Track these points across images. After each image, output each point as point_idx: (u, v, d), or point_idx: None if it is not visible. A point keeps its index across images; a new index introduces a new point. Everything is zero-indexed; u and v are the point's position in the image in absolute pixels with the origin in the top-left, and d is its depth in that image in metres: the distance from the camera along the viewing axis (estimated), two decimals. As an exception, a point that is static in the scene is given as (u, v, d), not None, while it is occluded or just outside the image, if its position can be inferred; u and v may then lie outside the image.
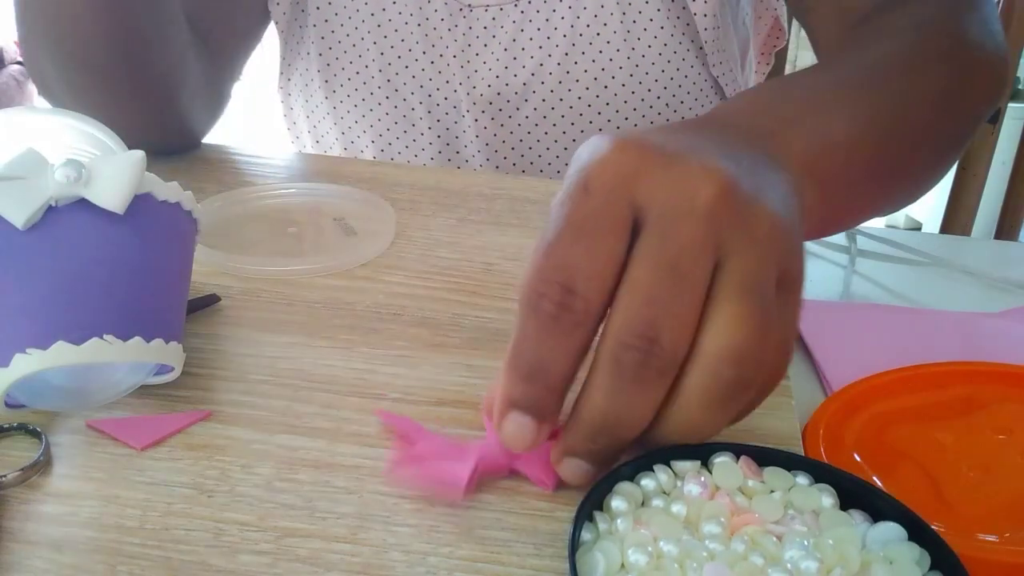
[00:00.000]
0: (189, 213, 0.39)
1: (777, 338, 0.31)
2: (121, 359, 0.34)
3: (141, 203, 0.36)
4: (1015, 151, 1.18)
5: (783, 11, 0.79)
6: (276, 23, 0.74)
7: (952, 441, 0.39)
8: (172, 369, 0.37)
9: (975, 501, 0.36)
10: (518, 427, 0.31)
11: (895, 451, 0.39)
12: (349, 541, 0.33)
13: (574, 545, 0.29)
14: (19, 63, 2.71)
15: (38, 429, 0.37)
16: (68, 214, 0.35)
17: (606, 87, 0.69)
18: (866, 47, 0.51)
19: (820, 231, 0.46)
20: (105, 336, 0.34)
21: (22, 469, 0.35)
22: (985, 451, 0.39)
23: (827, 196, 0.40)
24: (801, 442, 0.38)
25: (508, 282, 0.49)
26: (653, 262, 0.29)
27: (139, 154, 0.36)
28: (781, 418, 0.39)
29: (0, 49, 2.66)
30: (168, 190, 0.37)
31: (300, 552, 0.32)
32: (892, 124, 0.45)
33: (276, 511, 0.34)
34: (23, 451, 0.36)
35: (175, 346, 0.37)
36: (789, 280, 0.31)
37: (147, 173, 0.36)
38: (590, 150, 0.32)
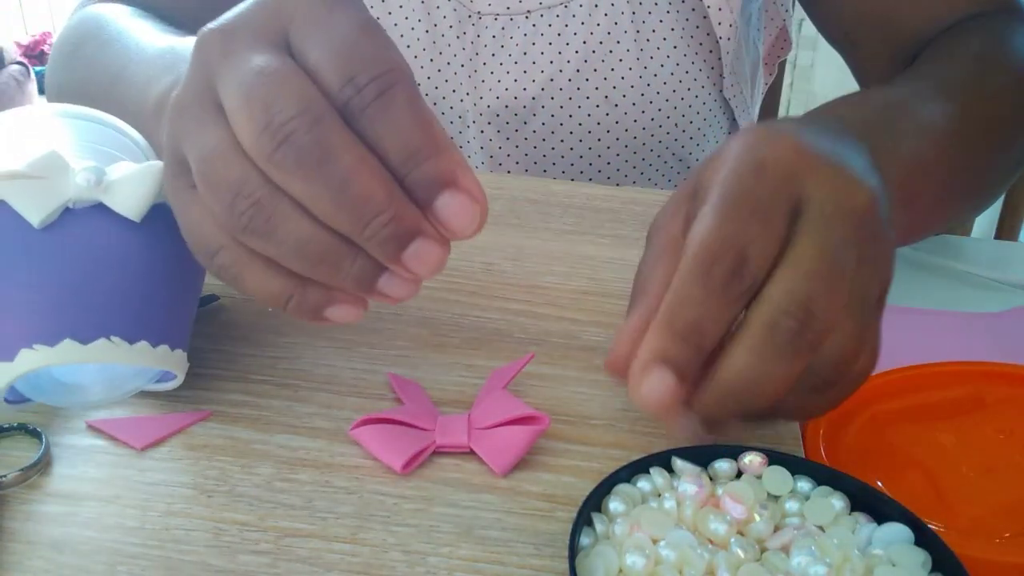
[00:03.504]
0: None
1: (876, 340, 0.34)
2: (126, 362, 0.34)
3: (157, 212, 0.36)
4: None
5: (790, 21, 0.78)
6: None
7: (952, 441, 0.39)
8: (175, 377, 0.37)
9: (975, 501, 0.36)
10: (660, 383, 0.31)
11: (895, 451, 0.39)
12: (349, 541, 0.33)
13: (573, 551, 0.28)
14: (19, 63, 2.71)
15: (38, 429, 0.37)
16: (84, 217, 0.35)
17: (616, 105, 0.68)
18: (936, 73, 0.53)
19: (900, 243, 0.47)
20: (112, 337, 0.34)
21: (22, 469, 0.35)
22: (985, 451, 0.39)
23: (909, 215, 0.42)
24: (801, 442, 0.38)
25: (508, 282, 0.49)
26: (816, 245, 0.31)
27: (159, 164, 0.36)
28: (781, 418, 0.39)
29: (0, 49, 2.66)
30: None
31: (300, 552, 0.32)
32: (965, 149, 0.49)
33: (276, 511, 0.34)
34: (23, 451, 0.36)
35: (180, 354, 0.37)
36: (883, 298, 0.34)
37: None
38: (760, 139, 0.34)
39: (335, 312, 0.34)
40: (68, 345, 0.33)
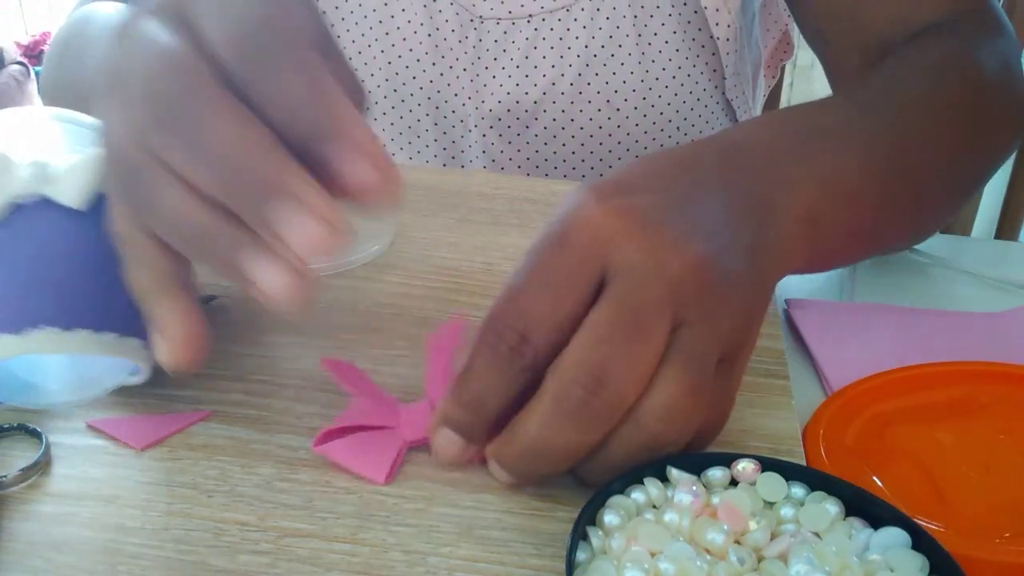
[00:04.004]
0: None
1: (710, 403, 0.33)
2: (68, 351, 0.34)
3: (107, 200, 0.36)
4: (1015, 151, 1.18)
5: (793, 25, 0.78)
6: None
7: (952, 441, 0.39)
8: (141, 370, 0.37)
9: (975, 501, 0.36)
10: (449, 443, 0.34)
11: (895, 451, 0.39)
12: (349, 541, 0.33)
13: (571, 566, 0.28)
14: (19, 63, 2.71)
15: (38, 429, 0.37)
16: (33, 211, 0.35)
17: (618, 109, 0.68)
18: (885, 86, 0.51)
19: (817, 269, 0.47)
20: (50, 327, 0.33)
21: (22, 469, 0.35)
22: (985, 451, 0.39)
23: (825, 239, 0.41)
24: (801, 443, 0.38)
25: (508, 282, 0.49)
26: (613, 312, 0.31)
27: (99, 152, 0.36)
28: (781, 419, 0.39)
29: (0, 49, 2.66)
30: None
31: (300, 552, 0.32)
32: (904, 171, 0.46)
33: (276, 511, 0.34)
34: (23, 451, 0.37)
35: (132, 341, 0.36)
36: (734, 356, 0.34)
37: None
38: (574, 204, 0.33)
39: (160, 340, 0.34)
40: (44, 334, 0.33)
